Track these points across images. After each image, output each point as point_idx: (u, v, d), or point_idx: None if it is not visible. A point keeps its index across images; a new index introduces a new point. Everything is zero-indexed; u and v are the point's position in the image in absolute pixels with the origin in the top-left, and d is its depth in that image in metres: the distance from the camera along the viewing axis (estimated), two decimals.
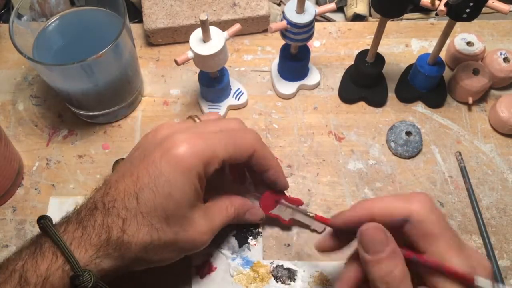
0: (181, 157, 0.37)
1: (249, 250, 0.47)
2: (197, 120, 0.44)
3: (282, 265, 0.47)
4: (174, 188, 0.37)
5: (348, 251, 0.39)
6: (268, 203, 0.47)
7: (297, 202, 0.47)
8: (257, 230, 0.48)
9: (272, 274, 0.46)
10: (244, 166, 0.45)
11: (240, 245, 0.47)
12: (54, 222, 0.38)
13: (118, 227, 0.37)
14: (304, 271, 0.47)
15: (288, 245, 0.48)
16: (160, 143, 0.38)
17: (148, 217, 0.37)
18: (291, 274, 0.46)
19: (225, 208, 0.43)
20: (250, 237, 0.48)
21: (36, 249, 0.36)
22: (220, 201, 0.43)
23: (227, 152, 0.40)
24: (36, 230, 0.39)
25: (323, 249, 0.40)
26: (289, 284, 0.46)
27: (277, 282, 0.46)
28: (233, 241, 0.48)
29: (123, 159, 0.51)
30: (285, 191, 0.47)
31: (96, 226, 0.37)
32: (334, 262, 0.47)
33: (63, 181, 0.52)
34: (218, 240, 0.47)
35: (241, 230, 0.48)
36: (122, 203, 0.37)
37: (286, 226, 0.48)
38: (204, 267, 0.46)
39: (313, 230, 0.48)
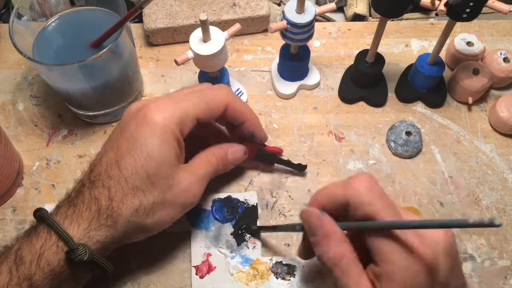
0: (154, 121, 0.40)
1: (248, 247, 0.47)
2: None
3: (281, 261, 0.47)
4: (151, 150, 0.39)
5: None
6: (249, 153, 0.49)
7: (277, 150, 0.51)
8: (255, 227, 0.48)
9: (272, 271, 0.46)
10: (223, 122, 0.47)
11: (238, 243, 0.47)
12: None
13: (105, 196, 0.38)
14: (303, 266, 0.47)
15: (288, 245, 0.48)
16: (134, 115, 0.41)
17: (131, 181, 0.38)
18: (290, 270, 0.47)
19: (206, 159, 0.44)
20: (248, 235, 0.48)
21: (31, 233, 0.38)
22: (200, 156, 0.45)
23: (199, 109, 0.42)
24: None
25: (304, 256, 0.42)
26: (289, 279, 0.46)
27: (277, 278, 0.46)
28: (231, 240, 0.48)
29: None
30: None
31: (85, 201, 0.38)
32: None
33: (63, 181, 0.52)
34: (216, 240, 0.48)
35: (238, 228, 0.48)
36: (106, 174, 0.39)
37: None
38: (204, 267, 0.46)
39: (293, 167, 0.51)
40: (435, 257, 0.32)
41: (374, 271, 0.33)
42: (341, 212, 0.36)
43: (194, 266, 0.46)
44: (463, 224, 0.29)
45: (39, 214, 0.38)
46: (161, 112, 0.40)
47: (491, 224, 0.27)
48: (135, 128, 0.40)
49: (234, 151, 0.47)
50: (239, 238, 0.48)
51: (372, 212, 0.33)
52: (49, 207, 0.49)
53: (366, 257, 0.35)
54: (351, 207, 0.35)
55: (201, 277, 0.46)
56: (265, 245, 0.48)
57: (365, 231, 0.34)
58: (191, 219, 0.49)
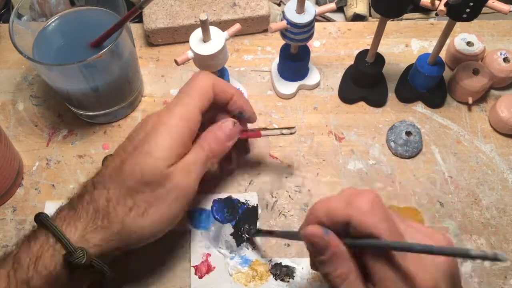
0: (163, 123, 0.40)
1: (247, 248, 0.47)
2: None
3: (280, 263, 0.47)
4: (152, 146, 0.39)
5: None
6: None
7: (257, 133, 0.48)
8: (254, 228, 0.48)
9: (271, 272, 0.46)
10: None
11: (238, 244, 0.47)
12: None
13: (103, 198, 0.38)
14: (302, 268, 0.47)
15: (288, 245, 0.48)
16: (144, 128, 0.41)
17: (127, 181, 0.38)
18: (289, 272, 0.47)
19: (197, 147, 0.42)
20: (248, 236, 0.48)
21: (30, 236, 0.38)
22: (192, 147, 0.43)
23: (201, 103, 0.42)
24: None
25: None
26: (288, 281, 0.46)
27: (276, 279, 0.46)
28: (231, 240, 0.48)
29: (111, 155, 0.52)
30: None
31: (85, 203, 0.38)
32: None
33: (63, 181, 0.52)
34: (216, 240, 0.48)
35: (238, 229, 0.48)
36: (109, 177, 0.39)
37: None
38: (203, 267, 0.46)
39: (282, 134, 0.48)
40: (435, 283, 0.31)
41: None
42: (341, 227, 0.34)
43: (193, 266, 0.46)
44: (464, 255, 0.27)
45: (39, 219, 0.38)
46: (165, 116, 0.41)
47: (495, 258, 0.25)
48: (143, 136, 0.40)
49: (221, 126, 0.44)
50: (238, 238, 0.48)
51: (374, 235, 0.32)
52: (50, 205, 0.50)
53: (364, 272, 0.34)
54: (352, 227, 0.33)
55: (200, 277, 0.46)
56: (264, 246, 0.48)
57: (365, 249, 0.33)
58: (191, 219, 0.49)
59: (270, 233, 0.46)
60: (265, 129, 0.48)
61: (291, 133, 0.47)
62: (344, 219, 0.33)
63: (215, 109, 0.46)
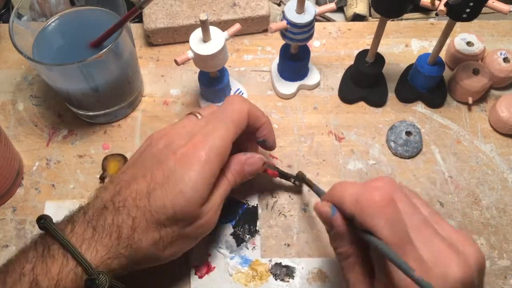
0: (196, 158, 0.39)
1: (247, 248, 0.47)
2: (199, 116, 0.44)
3: (280, 263, 0.47)
4: (185, 186, 0.38)
5: None
6: None
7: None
8: (254, 228, 0.48)
9: (271, 272, 0.46)
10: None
11: (238, 244, 0.47)
12: (54, 222, 0.38)
13: (128, 226, 0.37)
14: (302, 268, 0.47)
15: (288, 245, 0.48)
16: (174, 151, 0.40)
17: (156, 215, 0.38)
18: (289, 272, 0.47)
19: (224, 177, 0.42)
20: (248, 236, 0.48)
21: (44, 251, 0.36)
22: (218, 178, 0.42)
23: (232, 132, 0.41)
24: (36, 230, 0.39)
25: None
26: (288, 281, 0.46)
27: (276, 279, 0.46)
28: (231, 240, 0.48)
29: (112, 155, 0.52)
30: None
31: (106, 226, 0.37)
32: (332, 258, 0.47)
33: (63, 181, 0.52)
34: (216, 240, 0.48)
35: (238, 229, 0.48)
36: (134, 202, 0.38)
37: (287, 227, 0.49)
38: (203, 267, 0.46)
39: (294, 183, 0.50)
40: None
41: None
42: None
43: (193, 266, 0.46)
44: None
45: (46, 226, 0.37)
46: (202, 148, 0.39)
47: None
48: (174, 163, 0.39)
49: (250, 163, 0.44)
50: (238, 238, 0.48)
51: (376, 236, 0.32)
52: (50, 205, 0.50)
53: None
54: (356, 223, 0.33)
55: (200, 277, 0.46)
56: (264, 246, 0.48)
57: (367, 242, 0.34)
58: None
59: (309, 185, 0.48)
60: (278, 170, 0.49)
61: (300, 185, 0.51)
62: (349, 214, 0.34)
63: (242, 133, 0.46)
